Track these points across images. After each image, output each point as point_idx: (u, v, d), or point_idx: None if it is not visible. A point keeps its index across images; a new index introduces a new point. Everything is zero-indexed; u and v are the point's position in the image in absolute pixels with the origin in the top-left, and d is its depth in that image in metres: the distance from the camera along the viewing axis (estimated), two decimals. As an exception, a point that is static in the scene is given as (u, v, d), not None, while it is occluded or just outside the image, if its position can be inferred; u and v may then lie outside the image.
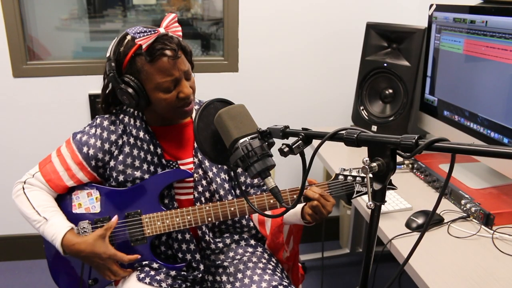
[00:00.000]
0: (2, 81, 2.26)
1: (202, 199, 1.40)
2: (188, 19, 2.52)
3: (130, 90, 1.25)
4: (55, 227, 1.31)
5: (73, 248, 1.30)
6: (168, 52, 1.23)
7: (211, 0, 2.47)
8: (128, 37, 1.26)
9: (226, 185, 1.42)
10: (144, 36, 1.21)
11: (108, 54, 1.29)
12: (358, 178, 1.33)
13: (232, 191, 1.44)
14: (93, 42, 2.49)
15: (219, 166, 1.42)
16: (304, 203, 1.34)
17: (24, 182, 1.39)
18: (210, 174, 1.39)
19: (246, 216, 1.48)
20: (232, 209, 1.33)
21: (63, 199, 1.40)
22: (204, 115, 1.00)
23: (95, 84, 2.32)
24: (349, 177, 1.33)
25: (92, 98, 2.32)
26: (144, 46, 1.21)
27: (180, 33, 1.30)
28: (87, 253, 1.30)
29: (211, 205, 1.33)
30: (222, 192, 1.40)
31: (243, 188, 1.48)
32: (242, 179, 1.48)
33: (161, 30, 1.24)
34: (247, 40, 2.36)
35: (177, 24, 1.29)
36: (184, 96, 1.28)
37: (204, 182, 1.39)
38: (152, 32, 1.22)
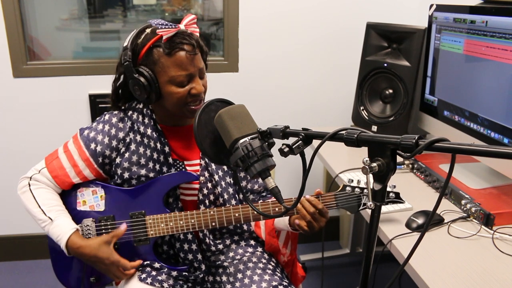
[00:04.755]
0: (2, 81, 2.26)
1: (206, 201, 1.39)
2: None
3: (142, 79, 1.26)
4: (60, 229, 1.31)
5: (78, 251, 1.30)
6: (186, 47, 1.26)
7: (211, 0, 2.47)
8: (148, 30, 1.28)
9: (231, 190, 1.41)
10: (166, 28, 1.24)
11: (125, 44, 1.29)
12: (365, 191, 1.30)
13: (236, 195, 1.43)
14: (93, 42, 2.49)
15: (225, 170, 1.41)
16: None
17: (30, 178, 1.37)
18: (216, 177, 1.38)
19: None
20: (237, 214, 1.32)
21: (67, 195, 1.39)
22: (204, 115, 1.00)
23: (95, 84, 2.32)
24: (356, 189, 1.31)
25: (92, 98, 2.32)
26: (164, 37, 1.23)
27: (198, 35, 1.32)
28: (91, 257, 1.31)
29: (215, 210, 1.32)
30: (226, 196, 1.39)
31: (244, 191, 1.47)
32: (243, 183, 1.48)
33: (181, 26, 1.27)
34: (247, 40, 2.36)
35: (196, 25, 1.32)
36: (196, 93, 1.29)
37: (209, 185, 1.39)
38: (174, 26, 1.26)
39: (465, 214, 1.38)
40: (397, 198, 1.32)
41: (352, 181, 1.32)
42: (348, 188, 1.31)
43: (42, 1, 2.31)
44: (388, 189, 1.32)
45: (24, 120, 2.34)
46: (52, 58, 2.39)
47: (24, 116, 2.33)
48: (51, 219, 1.31)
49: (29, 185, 1.36)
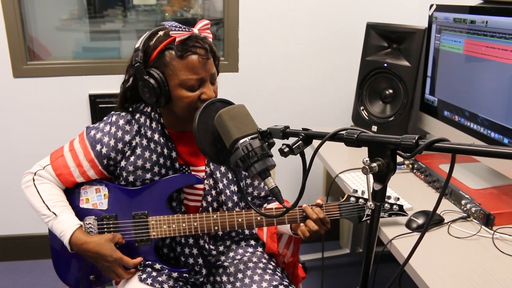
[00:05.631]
0: (2, 81, 2.26)
1: (210, 209, 1.39)
2: (188, 19, 2.52)
3: (152, 81, 1.23)
4: (64, 224, 1.31)
5: (81, 247, 1.30)
6: (199, 51, 1.23)
7: (211, 0, 2.47)
8: (161, 33, 1.26)
9: (235, 198, 1.41)
10: (180, 31, 1.22)
11: (137, 45, 1.27)
12: (369, 203, 1.30)
13: (240, 203, 1.43)
14: (93, 42, 2.49)
15: (230, 178, 1.41)
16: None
17: (35, 174, 1.37)
18: (220, 185, 1.38)
19: None
20: (240, 220, 1.32)
21: (71, 192, 1.39)
22: (205, 115, 1.00)
23: (95, 84, 2.32)
24: (360, 200, 1.31)
25: (92, 98, 2.32)
26: (178, 40, 1.21)
27: (211, 40, 1.30)
28: (94, 253, 1.30)
29: (218, 214, 1.32)
30: (230, 204, 1.39)
31: (249, 198, 1.47)
32: (250, 190, 1.48)
33: (195, 30, 1.25)
34: (247, 40, 2.36)
35: (209, 31, 1.30)
36: (206, 98, 1.26)
37: (213, 192, 1.39)
38: (188, 30, 1.23)
39: (465, 214, 1.38)
40: (401, 211, 1.32)
41: (357, 191, 1.33)
42: (352, 199, 1.32)
43: (42, 1, 2.31)
44: (392, 201, 1.32)
45: (24, 120, 2.33)
46: (52, 58, 2.39)
47: (24, 116, 2.33)
48: (55, 214, 1.31)
49: (34, 180, 1.36)
